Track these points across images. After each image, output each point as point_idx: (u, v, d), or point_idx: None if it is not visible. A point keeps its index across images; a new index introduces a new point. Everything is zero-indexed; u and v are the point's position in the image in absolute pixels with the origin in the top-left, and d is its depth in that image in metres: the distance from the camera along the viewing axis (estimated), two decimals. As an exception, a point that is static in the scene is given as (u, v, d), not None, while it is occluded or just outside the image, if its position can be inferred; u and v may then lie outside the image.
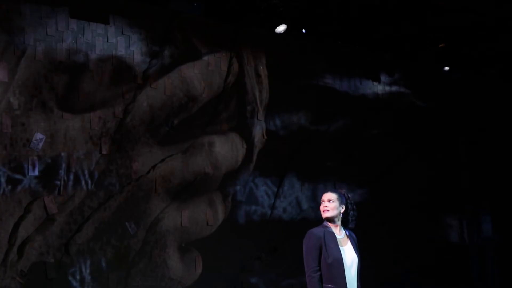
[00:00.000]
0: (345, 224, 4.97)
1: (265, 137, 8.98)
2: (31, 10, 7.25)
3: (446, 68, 10.38)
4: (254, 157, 8.84)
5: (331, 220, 4.92)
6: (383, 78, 10.45)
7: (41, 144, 7.15)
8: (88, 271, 7.35)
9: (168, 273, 7.95)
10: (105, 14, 7.78)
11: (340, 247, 4.85)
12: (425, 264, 10.51)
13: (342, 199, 4.98)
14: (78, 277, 7.28)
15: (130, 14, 7.97)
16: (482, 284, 10.89)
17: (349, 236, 4.96)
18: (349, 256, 4.88)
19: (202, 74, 8.50)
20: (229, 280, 8.42)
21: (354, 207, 5.03)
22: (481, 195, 11.31)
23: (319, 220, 9.65)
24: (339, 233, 4.93)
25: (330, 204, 4.94)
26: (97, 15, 7.70)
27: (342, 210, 4.96)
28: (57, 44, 7.40)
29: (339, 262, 4.80)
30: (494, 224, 11.16)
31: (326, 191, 5.13)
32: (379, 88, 10.41)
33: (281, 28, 8.69)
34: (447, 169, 11.18)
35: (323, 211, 4.95)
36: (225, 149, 8.58)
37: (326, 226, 4.92)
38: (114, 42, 7.83)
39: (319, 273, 4.78)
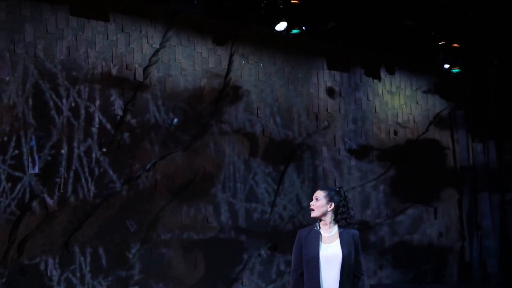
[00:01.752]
0: (338, 222, 4.71)
1: (266, 135, 8.97)
2: (31, 8, 7.25)
3: (447, 66, 10.35)
4: (255, 155, 8.83)
5: (319, 218, 4.72)
6: (383, 75, 10.43)
7: (41, 142, 7.15)
8: (88, 268, 7.36)
9: (169, 271, 7.95)
10: (105, 12, 7.78)
11: (322, 245, 4.66)
12: (425, 261, 10.52)
13: (332, 197, 4.72)
14: (78, 274, 7.28)
15: (130, 12, 7.97)
16: (483, 281, 10.88)
17: (340, 234, 4.68)
18: (329, 254, 4.62)
19: (202, 72, 8.50)
20: (229, 278, 8.42)
21: (349, 204, 4.74)
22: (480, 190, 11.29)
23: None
24: (329, 231, 4.70)
25: (316, 203, 4.72)
26: (97, 13, 7.70)
27: (330, 208, 4.69)
28: (57, 41, 7.40)
29: (315, 260, 4.62)
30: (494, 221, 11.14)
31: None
32: (380, 85, 10.39)
33: (281, 26, 8.67)
34: (447, 165, 11.18)
35: (310, 210, 4.86)
36: (226, 147, 8.57)
37: (316, 225, 4.78)
38: (114, 39, 7.83)
39: (299, 271, 4.66)
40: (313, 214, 4.74)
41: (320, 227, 4.73)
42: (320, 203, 4.72)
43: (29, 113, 7.11)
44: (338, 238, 4.68)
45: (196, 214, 8.22)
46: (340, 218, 4.71)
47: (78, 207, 7.36)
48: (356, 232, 4.73)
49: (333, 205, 4.72)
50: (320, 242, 4.69)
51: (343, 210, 4.72)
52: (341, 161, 9.74)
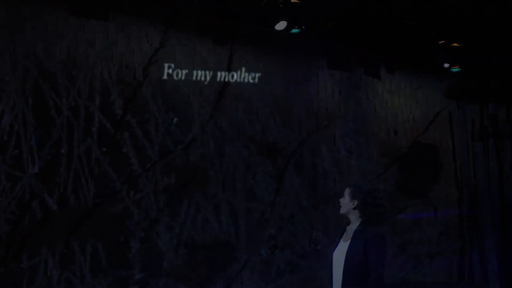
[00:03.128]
0: (366, 220, 4.67)
1: (266, 134, 8.98)
2: (31, 7, 7.25)
3: (446, 65, 10.34)
4: (255, 154, 8.83)
5: (346, 216, 4.78)
6: (382, 75, 10.43)
7: (41, 141, 7.15)
8: (88, 268, 7.36)
9: (169, 271, 7.95)
10: (105, 11, 7.78)
11: (341, 243, 4.71)
12: (424, 261, 10.52)
13: (356, 194, 4.71)
14: (78, 274, 7.28)
15: (130, 11, 7.97)
16: (483, 281, 10.87)
17: (357, 232, 4.64)
18: (339, 253, 4.68)
19: (202, 71, 8.49)
20: (229, 277, 8.42)
21: (375, 201, 4.68)
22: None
23: (319, 217, 9.64)
24: (351, 228, 4.70)
25: (342, 201, 4.78)
26: (97, 12, 7.70)
27: (353, 205, 4.70)
28: (57, 40, 7.40)
29: (330, 258, 4.74)
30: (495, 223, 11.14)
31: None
32: (380, 85, 10.39)
33: (281, 25, 8.66)
34: (446, 164, 11.18)
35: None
36: (226, 146, 8.57)
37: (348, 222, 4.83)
38: (114, 39, 7.83)
39: None
40: (340, 211, 4.82)
41: (348, 224, 4.77)
42: (345, 201, 4.77)
43: (29, 112, 7.11)
44: (351, 236, 4.67)
45: (196, 213, 8.22)
46: (363, 215, 4.69)
47: (78, 207, 7.36)
48: (374, 231, 4.64)
49: (356, 202, 4.72)
50: (341, 240, 4.75)
51: (368, 208, 4.69)
52: (341, 161, 9.74)
